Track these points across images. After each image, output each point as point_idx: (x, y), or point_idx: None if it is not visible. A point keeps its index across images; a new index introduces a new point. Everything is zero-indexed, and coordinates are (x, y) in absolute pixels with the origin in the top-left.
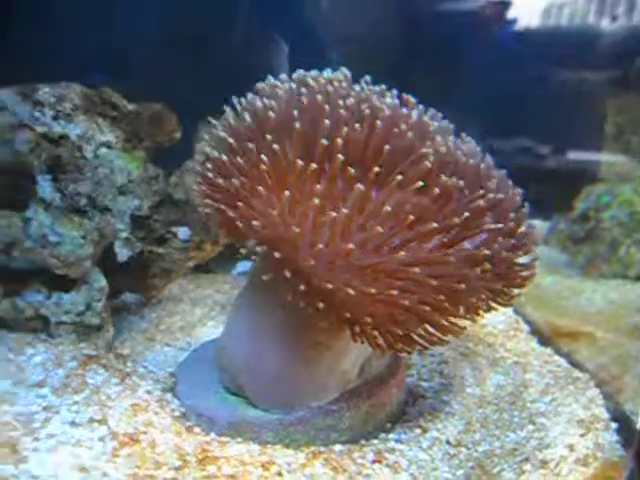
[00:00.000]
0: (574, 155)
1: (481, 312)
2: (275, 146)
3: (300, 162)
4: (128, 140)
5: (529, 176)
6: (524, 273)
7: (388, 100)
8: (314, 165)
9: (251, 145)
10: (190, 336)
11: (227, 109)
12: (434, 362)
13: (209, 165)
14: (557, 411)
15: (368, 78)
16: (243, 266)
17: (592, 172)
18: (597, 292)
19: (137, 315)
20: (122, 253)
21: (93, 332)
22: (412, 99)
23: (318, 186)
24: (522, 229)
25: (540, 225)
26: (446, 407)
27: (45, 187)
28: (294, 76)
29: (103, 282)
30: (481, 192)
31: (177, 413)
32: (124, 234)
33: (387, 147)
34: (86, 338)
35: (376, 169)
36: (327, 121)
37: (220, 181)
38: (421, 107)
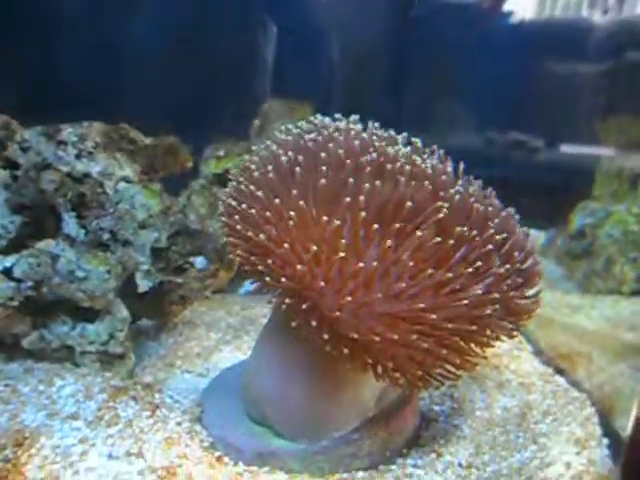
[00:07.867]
0: (566, 149)
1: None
2: (301, 202)
3: (325, 218)
4: (145, 173)
5: (524, 175)
6: (530, 307)
7: (400, 148)
8: (337, 222)
9: (277, 201)
10: (208, 362)
11: (247, 157)
12: (445, 386)
13: (237, 217)
14: (557, 431)
15: (377, 124)
16: (248, 286)
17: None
18: (594, 309)
19: (155, 341)
20: (143, 284)
21: (116, 360)
22: (419, 143)
23: (342, 241)
24: (528, 264)
25: (536, 235)
26: (457, 431)
27: (70, 224)
28: (314, 121)
29: (125, 312)
30: (489, 233)
31: (206, 443)
32: (145, 266)
33: (409, 204)
34: (110, 367)
35: (397, 225)
36: (351, 180)
37: (250, 234)
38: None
